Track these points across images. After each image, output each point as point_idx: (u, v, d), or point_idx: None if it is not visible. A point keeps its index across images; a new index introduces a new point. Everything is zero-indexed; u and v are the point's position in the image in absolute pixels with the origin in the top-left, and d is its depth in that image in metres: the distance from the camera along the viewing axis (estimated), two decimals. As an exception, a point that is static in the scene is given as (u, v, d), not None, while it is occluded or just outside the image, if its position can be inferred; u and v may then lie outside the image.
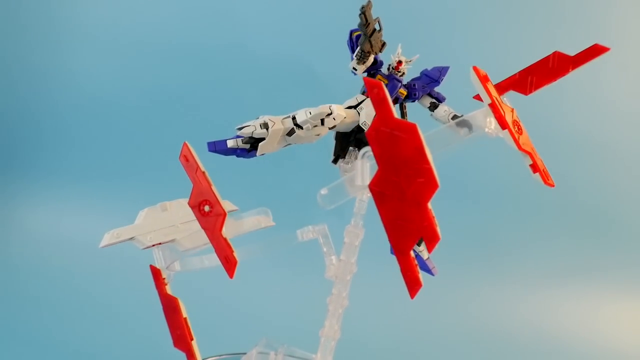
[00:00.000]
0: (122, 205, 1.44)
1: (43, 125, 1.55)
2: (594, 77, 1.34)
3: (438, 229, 0.46)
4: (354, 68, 0.68)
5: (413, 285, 0.48)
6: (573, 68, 0.58)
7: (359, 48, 0.65)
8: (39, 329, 1.08)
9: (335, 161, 0.73)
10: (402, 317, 1.09)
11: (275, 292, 1.18)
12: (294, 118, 0.64)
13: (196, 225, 0.62)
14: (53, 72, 1.55)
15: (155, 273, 0.70)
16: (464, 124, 0.62)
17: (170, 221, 0.63)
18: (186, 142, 0.57)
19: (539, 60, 0.60)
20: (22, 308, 1.15)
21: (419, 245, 0.67)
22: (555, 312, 1.22)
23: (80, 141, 1.53)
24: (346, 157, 0.71)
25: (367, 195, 0.68)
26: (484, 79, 0.50)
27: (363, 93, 0.71)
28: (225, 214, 0.52)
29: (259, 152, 0.65)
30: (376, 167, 0.47)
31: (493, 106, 0.49)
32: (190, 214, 0.63)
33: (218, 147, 0.65)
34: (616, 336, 1.19)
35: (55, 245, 1.36)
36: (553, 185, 0.51)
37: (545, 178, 0.50)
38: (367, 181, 0.49)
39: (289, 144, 0.66)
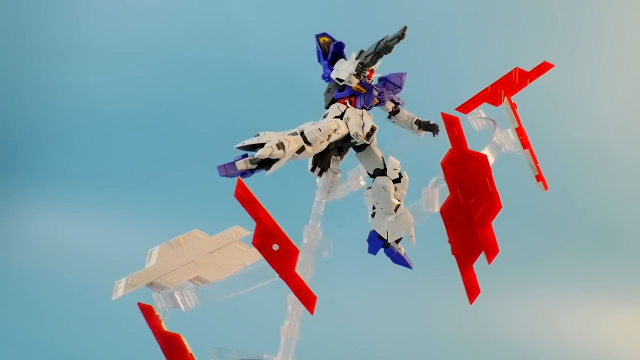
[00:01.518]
0: (123, 212, 1.39)
1: (44, 132, 1.52)
2: (598, 86, 1.39)
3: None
4: (339, 79, 0.69)
5: (473, 293, 0.54)
6: (530, 81, 0.69)
7: (359, 62, 0.65)
8: (39, 335, 1.07)
9: (313, 169, 0.74)
10: (403, 323, 1.12)
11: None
12: (302, 134, 0.63)
13: (215, 257, 0.58)
14: (54, 80, 1.53)
15: (147, 310, 0.63)
16: (435, 128, 0.71)
17: (188, 257, 0.57)
18: (240, 178, 0.52)
19: (505, 75, 0.70)
20: (22, 314, 1.13)
21: (397, 242, 0.73)
22: (558, 321, 1.22)
23: (81, 149, 1.52)
24: (332, 164, 0.72)
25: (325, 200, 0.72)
26: (514, 106, 0.58)
27: (332, 102, 0.73)
28: (297, 251, 0.51)
29: (271, 172, 0.63)
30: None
31: (520, 130, 0.57)
32: (207, 246, 0.58)
33: (230, 172, 0.60)
34: (619, 346, 1.20)
35: (56, 252, 1.34)
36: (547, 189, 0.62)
37: (545, 185, 0.61)
38: (437, 208, 0.52)
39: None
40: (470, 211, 0.52)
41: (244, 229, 0.61)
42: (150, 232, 1.32)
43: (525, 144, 0.58)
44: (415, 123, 0.76)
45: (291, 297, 0.82)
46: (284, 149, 0.61)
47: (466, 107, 0.69)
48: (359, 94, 0.71)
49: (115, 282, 0.54)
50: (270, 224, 0.50)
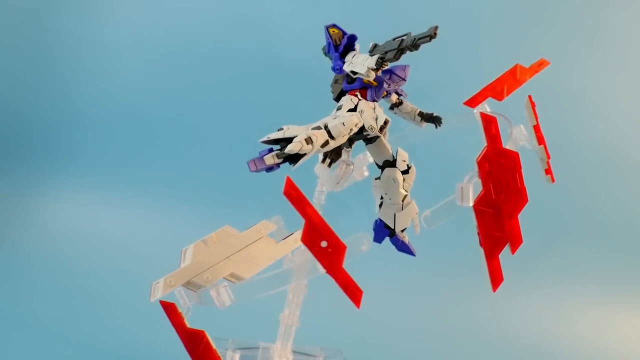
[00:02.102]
0: (141, 198, 1.38)
1: (62, 117, 1.52)
2: (611, 84, 1.37)
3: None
4: (354, 72, 0.69)
5: (497, 281, 0.58)
6: (529, 77, 0.73)
7: (379, 57, 0.66)
8: (54, 320, 1.06)
9: (323, 160, 0.75)
10: (415, 321, 1.12)
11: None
12: (326, 128, 0.63)
13: (246, 252, 0.58)
14: (73, 66, 1.52)
15: (170, 308, 0.61)
16: (438, 120, 0.74)
17: (222, 254, 0.56)
18: (289, 176, 0.52)
19: (508, 71, 0.73)
20: (39, 299, 1.12)
21: (402, 231, 0.76)
22: (572, 322, 1.22)
23: (100, 134, 1.50)
24: (343, 156, 0.73)
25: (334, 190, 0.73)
26: (534, 104, 0.61)
27: (340, 93, 0.74)
28: (345, 247, 0.52)
29: (297, 166, 0.63)
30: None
31: (537, 127, 0.61)
32: (239, 243, 0.58)
33: (259, 167, 0.60)
34: (633, 349, 1.20)
35: (74, 237, 1.34)
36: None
37: (553, 177, 0.65)
38: (471, 202, 0.55)
39: None
40: (500, 205, 0.55)
41: (271, 222, 0.61)
42: (168, 218, 1.37)
43: (540, 140, 0.61)
44: (418, 115, 0.78)
45: (291, 286, 0.82)
46: (312, 144, 0.62)
47: (473, 101, 0.72)
48: (369, 87, 0.72)
49: (153, 283, 0.53)
50: (318, 221, 0.51)
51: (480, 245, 0.57)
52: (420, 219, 0.56)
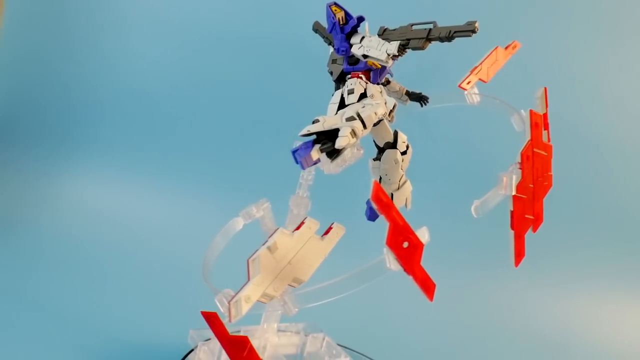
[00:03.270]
0: (158, 180, 1.37)
1: (79, 99, 1.50)
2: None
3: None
4: (368, 56, 0.68)
5: (520, 257, 0.64)
6: (505, 60, 0.78)
7: (399, 43, 0.65)
8: (68, 302, 1.05)
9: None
10: (426, 312, 1.10)
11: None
12: (360, 117, 0.62)
13: (303, 253, 0.56)
14: (89, 47, 1.51)
15: (212, 318, 0.57)
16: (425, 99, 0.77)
17: (284, 260, 0.53)
18: (376, 180, 0.50)
19: (490, 54, 0.77)
20: (52, 280, 1.11)
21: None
22: (586, 315, 1.23)
23: (116, 115, 1.49)
24: None
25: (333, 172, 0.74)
26: (546, 93, 0.66)
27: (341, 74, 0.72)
28: (422, 245, 0.52)
29: (335, 159, 0.61)
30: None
31: (545, 115, 0.66)
32: (296, 245, 0.55)
33: (309, 163, 0.58)
34: None
35: (90, 218, 1.33)
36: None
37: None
38: (514, 191, 0.59)
39: None
40: (533, 191, 0.60)
41: (316, 220, 0.59)
42: (183, 200, 1.38)
43: (546, 126, 0.67)
44: (405, 94, 0.80)
45: None
46: (356, 137, 0.60)
47: (467, 84, 0.75)
48: (372, 69, 0.72)
49: (229, 302, 0.48)
50: (402, 223, 0.51)
51: (512, 228, 0.62)
52: (471, 210, 0.58)
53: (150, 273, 1.18)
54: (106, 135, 1.50)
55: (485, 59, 0.76)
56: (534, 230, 0.63)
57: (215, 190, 1.37)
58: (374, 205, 0.50)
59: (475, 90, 0.78)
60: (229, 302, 0.49)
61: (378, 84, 0.72)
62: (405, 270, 0.52)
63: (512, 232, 0.62)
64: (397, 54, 0.66)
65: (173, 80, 1.49)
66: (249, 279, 0.51)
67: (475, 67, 0.77)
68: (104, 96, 1.52)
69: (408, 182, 0.77)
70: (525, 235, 0.61)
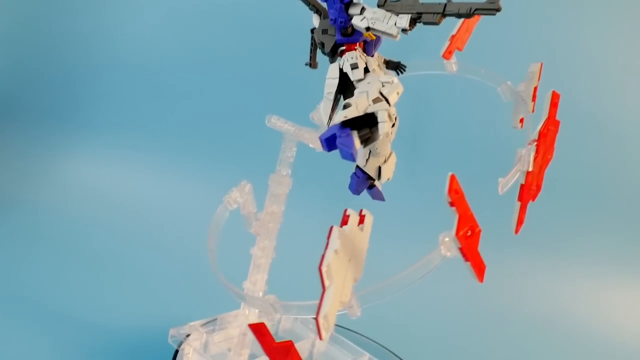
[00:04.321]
0: (159, 160, 1.35)
1: (80, 78, 1.47)
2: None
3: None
4: (368, 28, 0.65)
5: (520, 225, 0.68)
6: (474, 25, 0.80)
7: (410, 17, 0.62)
8: (69, 283, 1.04)
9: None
10: (431, 298, 1.07)
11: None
12: (385, 98, 0.59)
13: (356, 249, 0.53)
14: (90, 26, 1.47)
15: (260, 329, 0.53)
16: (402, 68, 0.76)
17: (345, 260, 0.49)
18: (454, 174, 0.47)
19: (462, 24, 0.78)
20: (53, 261, 1.11)
21: (379, 179, 0.79)
22: (589, 300, 1.21)
23: (117, 96, 1.46)
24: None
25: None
26: (541, 69, 0.69)
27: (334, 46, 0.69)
28: (480, 231, 0.53)
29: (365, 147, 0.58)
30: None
31: (535, 88, 0.69)
32: (350, 241, 0.52)
33: (355, 152, 0.54)
34: None
35: (90, 198, 1.31)
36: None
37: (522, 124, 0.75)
38: (531, 166, 0.61)
39: None
40: (541, 164, 0.64)
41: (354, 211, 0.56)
42: (187, 179, 1.35)
43: (533, 98, 0.70)
44: (383, 62, 0.78)
45: (256, 250, 0.78)
46: (390, 121, 0.58)
47: (449, 53, 0.76)
48: (367, 40, 0.68)
49: (317, 318, 0.44)
50: (469, 214, 0.50)
51: (519, 199, 0.65)
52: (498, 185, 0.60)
53: (151, 253, 1.17)
54: (106, 115, 1.45)
55: (460, 27, 0.77)
56: (533, 199, 0.67)
57: (217, 169, 1.34)
58: (449, 198, 0.49)
59: (454, 59, 0.78)
60: (316, 319, 0.45)
61: (372, 55, 0.69)
62: (464, 257, 0.52)
63: (518, 203, 0.65)
64: (408, 28, 0.63)
65: (174, 59, 1.45)
66: (324, 289, 0.47)
67: (454, 36, 0.77)
68: (104, 76, 1.47)
69: (393, 154, 0.76)
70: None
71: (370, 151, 0.76)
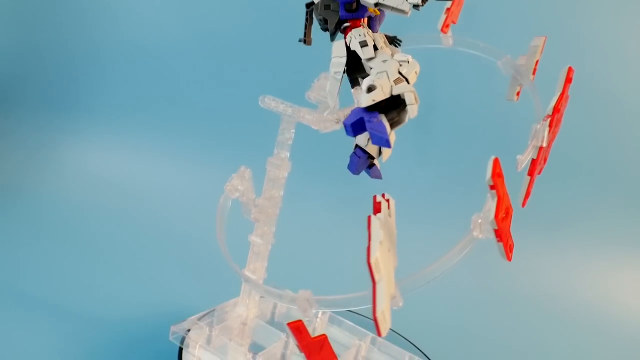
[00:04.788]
0: (160, 146, 1.38)
1: (82, 64, 1.44)
2: None
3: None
4: (377, 4, 0.62)
5: (527, 198, 0.68)
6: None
7: None
8: (71, 269, 1.03)
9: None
10: (452, 282, 0.99)
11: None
12: (406, 79, 0.57)
13: (390, 235, 0.51)
14: (93, 9, 1.43)
15: (298, 327, 0.51)
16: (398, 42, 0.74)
17: (387, 251, 0.48)
18: (497, 158, 0.46)
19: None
20: (55, 247, 1.10)
21: (379, 156, 0.78)
22: (600, 283, 1.19)
23: (120, 82, 1.43)
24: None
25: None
26: (544, 44, 0.68)
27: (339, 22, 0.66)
28: (512, 211, 0.52)
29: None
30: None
31: (537, 62, 0.69)
32: (386, 228, 0.51)
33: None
34: None
35: (93, 185, 1.30)
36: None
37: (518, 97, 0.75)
38: (545, 142, 0.62)
39: None
40: (551, 138, 0.64)
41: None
42: (189, 165, 1.33)
43: (534, 72, 0.70)
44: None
45: (255, 238, 0.76)
46: (416, 103, 0.56)
47: (446, 27, 0.74)
48: (372, 16, 0.66)
49: (375, 317, 0.42)
50: (507, 198, 0.50)
51: (529, 174, 0.65)
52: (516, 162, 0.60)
53: (155, 241, 1.16)
54: (110, 101, 1.41)
55: (453, 3, 0.76)
56: (539, 172, 0.68)
57: (220, 155, 1.31)
58: (491, 182, 0.48)
59: (450, 33, 0.77)
60: (374, 318, 0.43)
61: (376, 32, 0.67)
62: (498, 238, 0.52)
63: (527, 178, 0.66)
64: (420, 3, 0.61)
65: (179, 43, 1.41)
66: (375, 283, 0.45)
67: (449, 9, 0.76)
68: (108, 61, 1.43)
69: (393, 133, 0.75)
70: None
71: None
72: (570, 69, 0.62)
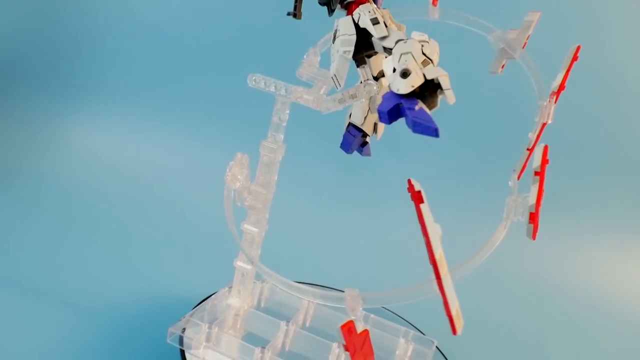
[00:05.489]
0: (163, 126, 1.34)
1: (84, 42, 1.40)
2: None
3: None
4: None
5: (522, 172, 0.70)
6: None
7: None
8: (73, 250, 1.02)
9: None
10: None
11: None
12: (431, 61, 0.56)
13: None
14: None
15: (349, 327, 0.49)
16: None
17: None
18: (547, 145, 0.46)
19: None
20: (56, 228, 1.08)
21: (374, 133, 0.75)
22: (603, 269, 1.18)
23: (122, 59, 1.40)
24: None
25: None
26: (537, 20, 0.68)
27: None
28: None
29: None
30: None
31: (529, 36, 0.69)
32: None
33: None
34: None
35: (95, 166, 1.28)
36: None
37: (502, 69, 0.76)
38: (551, 119, 0.63)
39: None
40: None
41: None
42: (193, 145, 1.30)
43: (524, 46, 0.71)
44: None
45: (248, 225, 0.73)
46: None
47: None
48: None
49: (450, 315, 0.41)
50: (544, 181, 0.51)
51: (528, 149, 0.67)
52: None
53: (155, 222, 1.14)
54: (111, 80, 1.38)
55: None
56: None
57: (224, 135, 1.28)
58: (539, 169, 0.48)
59: (437, 6, 0.75)
60: (449, 316, 0.42)
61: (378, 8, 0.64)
62: (531, 220, 0.53)
63: (526, 152, 0.68)
64: None
65: (182, 21, 1.38)
66: (440, 279, 0.44)
67: (437, -17, 0.74)
68: (110, 41, 1.40)
69: None
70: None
71: (369, 108, 0.72)
72: (578, 48, 0.63)
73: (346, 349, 0.50)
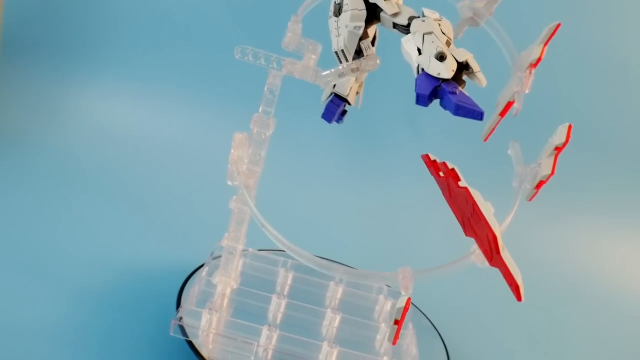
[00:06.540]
0: (171, 93, 1.31)
1: (90, 6, 1.34)
2: None
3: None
4: None
5: (489, 136, 0.76)
6: None
7: None
8: (78, 220, 1.01)
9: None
10: (440, 249, 0.91)
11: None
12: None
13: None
14: None
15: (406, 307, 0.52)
16: None
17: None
18: (570, 124, 0.50)
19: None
20: (60, 198, 1.06)
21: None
22: (600, 252, 1.18)
23: (129, 26, 1.34)
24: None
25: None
26: None
27: None
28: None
29: None
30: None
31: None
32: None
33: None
34: None
35: (99, 134, 1.24)
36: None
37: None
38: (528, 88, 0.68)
39: None
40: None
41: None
42: (199, 116, 1.29)
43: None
44: None
45: (236, 203, 0.73)
46: None
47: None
48: None
49: (517, 283, 0.45)
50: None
51: (500, 114, 0.72)
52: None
53: (159, 191, 1.13)
54: (118, 47, 1.33)
55: None
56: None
57: (230, 105, 1.24)
58: (561, 144, 0.53)
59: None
60: (515, 287, 0.46)
61: None
62: (536, 189, 0.59)
63: (498, 117, 0.73)
64: None
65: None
66: (500, 254, 0.48)
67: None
68: (117, 7, 1.33)
69: None
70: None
71: (355, 78, 0.72)
72: (558, 25, 0.68)
73: (396, 323, 0.52)
